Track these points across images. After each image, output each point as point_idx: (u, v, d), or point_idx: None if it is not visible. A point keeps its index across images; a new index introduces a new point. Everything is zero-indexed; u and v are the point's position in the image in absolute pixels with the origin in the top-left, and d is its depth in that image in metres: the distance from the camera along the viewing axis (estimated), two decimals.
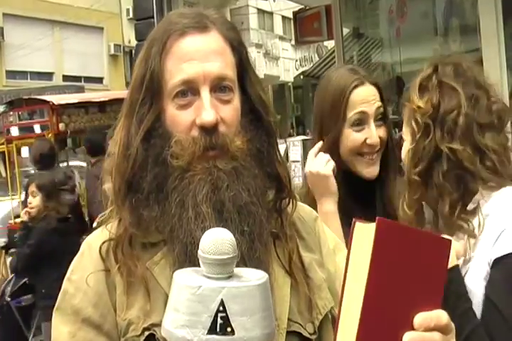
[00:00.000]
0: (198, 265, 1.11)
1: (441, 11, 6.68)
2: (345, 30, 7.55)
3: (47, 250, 5.19)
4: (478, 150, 1.69)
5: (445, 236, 1.25)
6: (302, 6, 9.74)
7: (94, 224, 1.44)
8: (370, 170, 2.10)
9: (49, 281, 4.89)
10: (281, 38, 30.08)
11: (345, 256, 1.45)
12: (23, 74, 21.28)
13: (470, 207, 1.70)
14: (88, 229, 5.81)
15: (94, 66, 23.39)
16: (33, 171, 8.09)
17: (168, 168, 1.26)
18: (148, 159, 1.28)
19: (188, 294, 1.00)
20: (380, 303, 0.99)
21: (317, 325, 1.32)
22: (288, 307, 1.29)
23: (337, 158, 2.09)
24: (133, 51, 16.99)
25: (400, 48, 7.34)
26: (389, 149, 2.15)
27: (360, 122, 2.09)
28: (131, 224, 1.27)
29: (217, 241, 1.03)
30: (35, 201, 5.46)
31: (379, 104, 2.11)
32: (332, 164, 2.03)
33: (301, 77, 27.50)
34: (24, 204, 6.22)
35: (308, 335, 1.30)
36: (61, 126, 8.89)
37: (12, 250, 6.36)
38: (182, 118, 1.28)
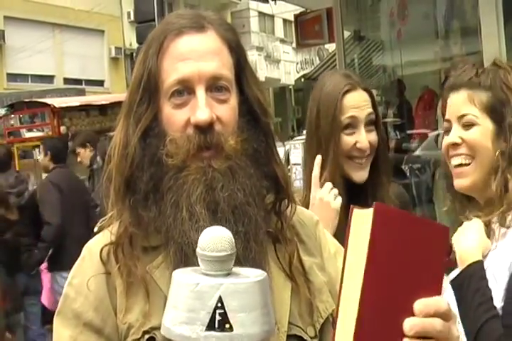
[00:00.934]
0: (193, 266, 1.11)
1: (442, 14, 6.69)
2: (346, 33, 7.56)
3: None
4: None
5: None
6: (303, 9, 9.77)
7: (95, 229, 1.43)
8: (359, 174, 2.14)
9: None
10: (282, 41, 30.12)
11: None
12: (24, 77, 21.29)
13: None
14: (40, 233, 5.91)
15: (95, 69, 23.41)
16: None
17: (164, 168, 1.26)
18: (145, 159, 1.27)
19: (186, 291, 1.00)
20: (379, 290, 0.99)
21: (318, 329, 1.32)
22: (288, 311, 1.28)
23: (329, 160, 2.12)
24: (134, 54, 17.00)
25: (400, 51, 7.36)
26: (380, 153, 2.19)
27: (351, 126, 2.13)
28: (131, 224, 1.27)
29: (215, 238, 1.03)
30: None
31: (370, 110, 2.15)
32: (340, 199, 2.06)
33: (302, 79, 27.55)
34: None
35: (309, 339, 1.29)
36: (62, 128, 8.92)
37: None
38: (177, 117, 1.28)
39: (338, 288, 1.03)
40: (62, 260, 5.78)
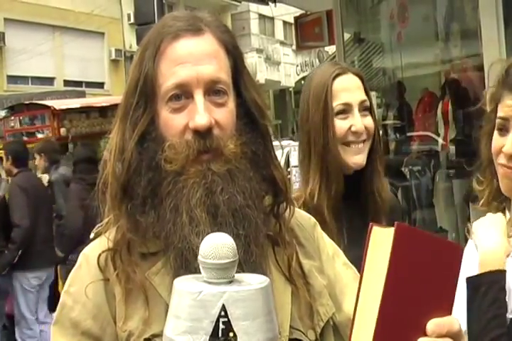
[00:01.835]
0: (194, 271, 1.10)
1: (442, 16, 6.70)
2: (347, 35, 7.56)
3: None
4: None
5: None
6: (303, 11, 9.78)
7: (91, 235, 1.41)
8: (356, 158, 2.07)
9: None
10: (282, 43, 30.12)
11: (343, 263, 1.45)
12: (24, 79, 21.28)
13: None
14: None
15: (95, 71, 23.40)
16: None
17: (162, 173, 1.25)
18: (142, 163, 1.26)
19: (188, 300, 0.99)
20: (395, 307, 1.00)
21: (319, 332, 1.31)
22: (289, 315, 1.27)
23: (322, 149, 2.07)
24: (134, 56, 16.95)
25: (401, 53, 7.36)
26: (375, 142, 2.13)
27: (344, 111, 2.08)
28: (128, 230, 1.26)
29: (216, 245, 1.02)
30: None
31: (363, 97, 2.10)
32: None
33: (302, 82, 27.51)
34: None
35: None
36: (62, 131, 8.93)
37: None
38: (175, 122, 1.26)
39: (354, 303, 1.04)
40: (26, 260, 6.10)
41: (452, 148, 6.68)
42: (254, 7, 26.70)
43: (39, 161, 7.50)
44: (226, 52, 1.32)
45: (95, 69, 23.35)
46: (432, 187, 6.94)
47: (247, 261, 1.21)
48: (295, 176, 6.50)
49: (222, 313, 0.97)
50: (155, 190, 1.25)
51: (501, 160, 1.69)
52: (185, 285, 1.02)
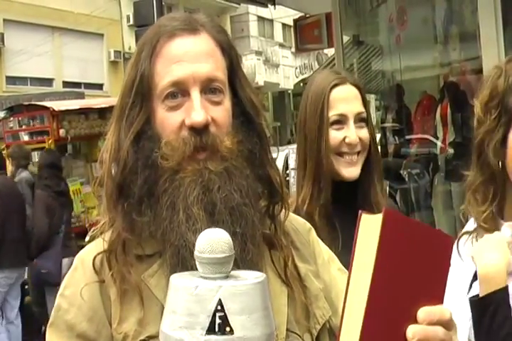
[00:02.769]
0: (190, 269, 1.10)
1: (441, 19, 6.70)
2: (346, 38, 7.57)
3: None
4: None
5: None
6: (302, 14, 9.80)
7: (87, 238, 1.41)
8: (350, 170, 2.07)
9: None
10: (281, 46, 30.13)
11: (338, 268, 1.45)
12: (23, 80, 21.28)
13: None
14: None
15: (94, 72, 23.40)
16: None
17: (158, 171, 1.24)
18: (138, 162, 1.26)
19: (185, 295, 0.99)
20: (385, 295, 1.00)
21: (315, 335, 1.31)
22: (286, 317, 1.27)
23: (316, 157, 2.07)
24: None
25: (399, 56, 7.36)
26: (372, 152, 2.13)
27: (340, 122, 2.08)
28: (124, 229, 1.25)
29: (213, 240, 1.02)
30: None
31: (360, 109, 2.10)
32: None
33: (301, 84, 27.50)
34: None
35: None
36: (61, 132, 8.91)
37: None
38: (171, 120, 1.26)
39: (344, 293, 1.03)
40: None
41: (451, 151, 6.68)
42: (253, 9, 26.72)
43: (8, 165, 7.57)
44: (222, 52, 1.32)
45: (94, 70, 23.35)
46: (431, 190, 6.94)
47: (244, 259, 1.21)
48: (293, 178, 6.50)
49: (219, 308, 0.97)
50: (151, 188, 1.24)
51: None
52: (181, 280, 1.02)
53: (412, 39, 7.11)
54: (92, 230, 1.35)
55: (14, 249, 6.28)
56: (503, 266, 1.55)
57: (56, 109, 8.97)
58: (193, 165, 1.24)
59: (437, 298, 1.05)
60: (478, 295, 1.55)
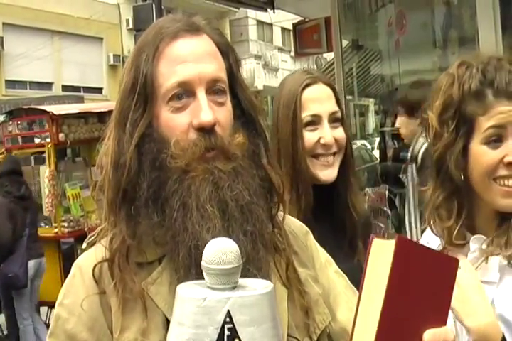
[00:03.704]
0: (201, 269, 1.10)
1: (440, 23, 6.71)
2: (345, 42, 7.58)
3: None
4: None
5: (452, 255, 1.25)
6: (302, 18, 9.80)
7: (84, 245, 1.39)
8: (326, 173, 2.00)
9: None
10: (280, 50, 30.17)
11: (335, 271, 1.45)
12: (22, 84, 21.29)
13: None
14: None
15: (94, 76, 23.42)
16: None
17: (167, 172, 1.23)
18: (143, 165, 1.24)
19: (192, 307, 0.98)
20: (394, 318, 1.02)
21: (315, 340, 1.31)
22: (287, 322, 1.27)
23: (291, 161, 2.00)
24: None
25: (399, 60, 7.36)
26: (348, 154, 2.07)
27: (313, 123, 2.01)
28: (128, 236, 1.23)
29: (220, 250, 1.01)
30: None
31: (334, 108, 2.03)
32: None
33: None
34: None
35: None
36: (61, 136, 8.88)
37: None
38: (177, 122, 1.25)
39: (354, 313, 1.05)
40: None
41: None
42: (252, 13, 26.75)
43: None
44: (221, 54, 1.32)
45: (93, 74, 23.38)
46: None
47: (254, 258, 1.20)
48: None
49: (228, 319, 0.96)
50: (158, 190, 1.23)
51: (502, 172, 1.56)
52: (188, 291, 1.01)
53: (411, 43, 7.11)
54: (88, 237, 1.33)
55: None
56: (494, 318, 1.46)
57: (55, 112, 8.95)
58: (203, 164, 1.23)
59: (442, 319, 1.09)
60: None
